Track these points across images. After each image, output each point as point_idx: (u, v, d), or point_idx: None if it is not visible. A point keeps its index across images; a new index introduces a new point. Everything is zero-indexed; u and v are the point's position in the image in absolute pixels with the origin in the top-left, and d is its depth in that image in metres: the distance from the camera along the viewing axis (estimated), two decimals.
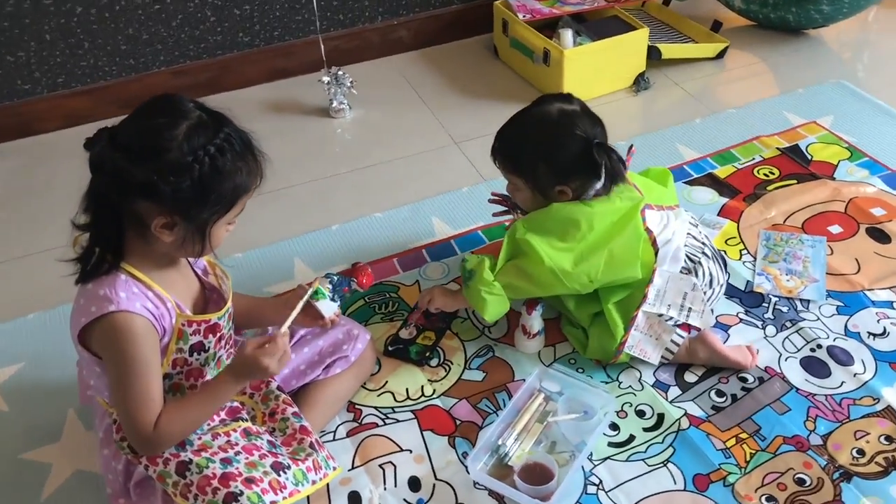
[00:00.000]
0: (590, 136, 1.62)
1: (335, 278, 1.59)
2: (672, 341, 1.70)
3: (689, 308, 1.67)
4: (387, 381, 1.75)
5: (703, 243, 1.79)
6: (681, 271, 1.70)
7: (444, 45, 2.99)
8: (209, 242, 1.29)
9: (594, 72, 2.62)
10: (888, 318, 1.83)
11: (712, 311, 1.79)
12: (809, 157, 2.32)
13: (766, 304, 1.88)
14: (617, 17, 2.75)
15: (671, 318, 1.68)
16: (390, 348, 1.82)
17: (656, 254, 1.69)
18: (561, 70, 2.56)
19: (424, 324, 1.86)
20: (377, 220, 2.19)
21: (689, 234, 1.77)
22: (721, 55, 2.83)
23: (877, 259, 1.98)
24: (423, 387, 1.73)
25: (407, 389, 1.73)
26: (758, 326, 1.82)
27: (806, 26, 2.88)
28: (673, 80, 2.75)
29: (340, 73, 2.60)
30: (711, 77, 2.78)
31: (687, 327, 1.70)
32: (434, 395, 1.71)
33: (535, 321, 1.76)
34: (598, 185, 1.63)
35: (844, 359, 1.74)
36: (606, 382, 1.73)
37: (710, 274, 1.74)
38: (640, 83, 2.69)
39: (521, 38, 2.69)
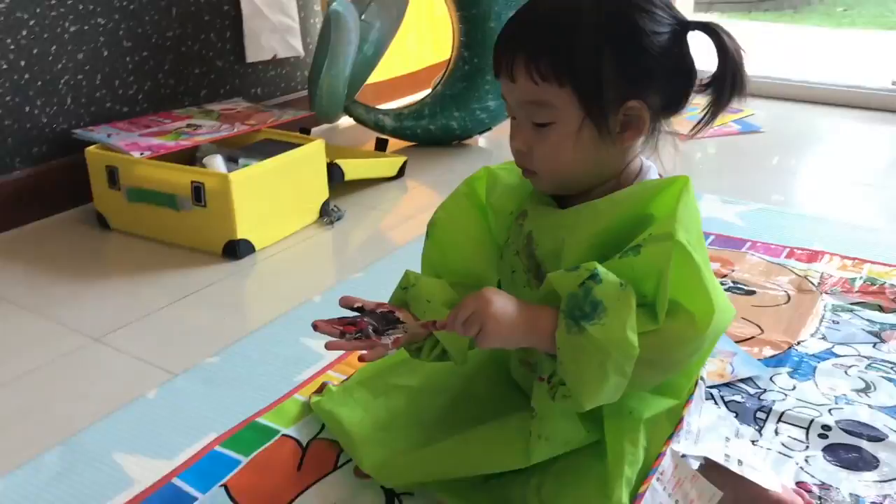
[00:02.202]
0: (676, 12, 0.84)
1: None
2: None
3: (738, 460, 0.92)
4: None
5: None
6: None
7: (9, 231, 1.94)
8: None
9: (272, 205, 1.84)
10: (849, 365, 1.30)
11: None
12: None
13: (712, 399, 1.22)
14: (272, 141, 2.03)
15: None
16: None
17: None
18: (228, 205, 1.73)
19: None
20: (11, 487, 1.06)
21: None
22: (401, 173, 2.27)
23: (765, 312, 1.48)
24: None
25: None
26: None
27: (473, 131, 2.49)
28: (366, 205, 2.09)
29: None
30: (404, 196, 2.19)
31: None
32: None
33: None
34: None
35: (869, 431, 1.14)
36: None
37: None
38: (330, 213, 1.97)
39: (150, 181, 1.81)
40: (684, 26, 0.83)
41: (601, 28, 0.80)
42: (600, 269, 0.77)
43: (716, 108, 0.83)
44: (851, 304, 1.50)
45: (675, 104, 0.85)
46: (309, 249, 1.85)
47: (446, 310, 0.87)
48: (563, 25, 0.80)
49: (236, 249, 1.76)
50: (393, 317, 0.88)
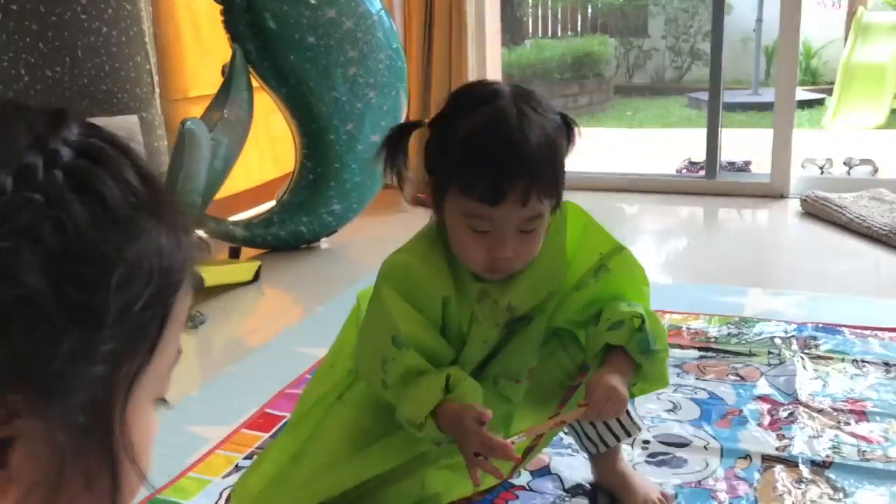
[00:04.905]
0: None
1: None
2: None
3: None
4: None
5: None
6: None
7: None
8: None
9: None
10: (659, 392, 1.58)
11: None
12: None
13: None
14: None
15: None
16: None
17: None
18: None
19: None
20: None
21: None
22: (257, 277, 2.42)
23: None
24: None
25: None
26: None
27: (320, 234, 2.69)
28: (226, 309, 2.22)
29: None
30: (262, 299, 2.34)
31: None
32: None
33: None
34: None
35: (678, 440, 1.41)
36: None
37: None
38: (193, 318, 2.09)
39: None
40: None
41: (564, 151, 1.05)
42: (642, 310, 1.08)
43: None
44: None
45: None
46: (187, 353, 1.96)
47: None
48: (551, 155, 1.01)
49: None
50: None
